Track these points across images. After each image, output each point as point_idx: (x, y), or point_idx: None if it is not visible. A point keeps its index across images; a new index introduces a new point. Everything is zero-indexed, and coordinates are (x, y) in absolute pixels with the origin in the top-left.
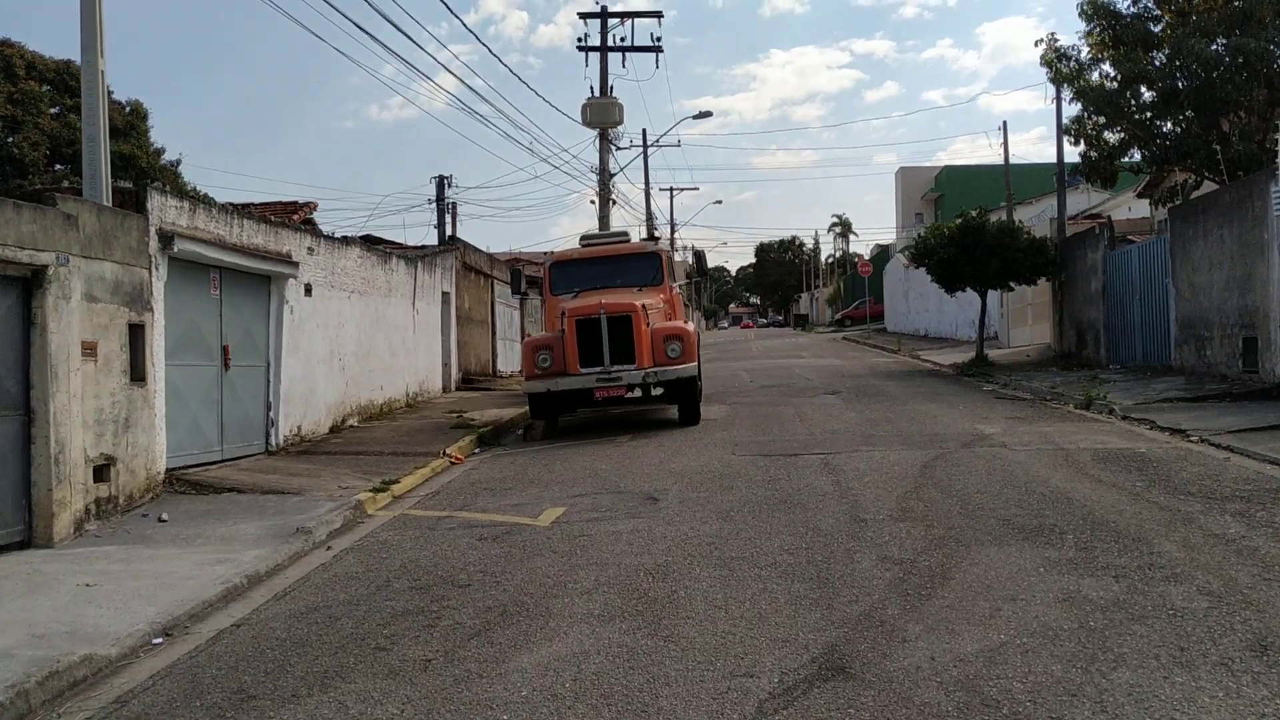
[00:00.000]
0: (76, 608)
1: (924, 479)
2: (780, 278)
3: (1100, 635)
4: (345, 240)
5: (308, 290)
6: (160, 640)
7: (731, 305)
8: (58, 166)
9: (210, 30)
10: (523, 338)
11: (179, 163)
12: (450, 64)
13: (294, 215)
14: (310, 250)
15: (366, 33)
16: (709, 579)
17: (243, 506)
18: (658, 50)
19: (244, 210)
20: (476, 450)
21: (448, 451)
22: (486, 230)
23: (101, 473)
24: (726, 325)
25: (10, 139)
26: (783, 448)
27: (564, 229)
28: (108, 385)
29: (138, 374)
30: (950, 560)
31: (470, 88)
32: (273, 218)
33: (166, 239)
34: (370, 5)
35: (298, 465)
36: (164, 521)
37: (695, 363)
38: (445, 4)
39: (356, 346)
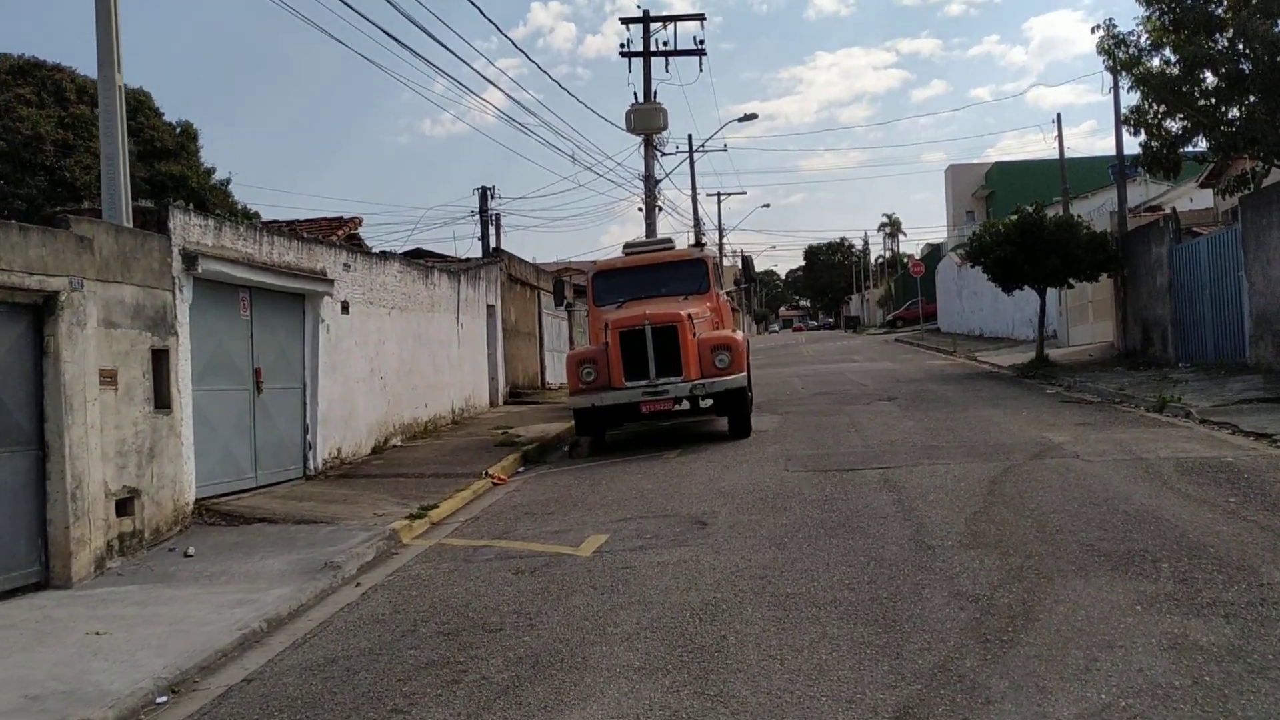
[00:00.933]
0: (81, 661)
1: (993, 497)
2: (830, 280)
3: (1219, 694)
4: (384, 255)
5: (344, 308)
6: (165, 699)
7: (782, 309)
8: None
9: (263, 52)
10: (571, 349)
11: (229, 182)
12: (498, 79)
13: (338, 231)
14: (346, 266)
15: (416, 53)
16: (761, 621)
17: (272, 539)
18: (701, 54)
19: (275, 227)
20: (521, 469)
21: (490, 472)
22: (536, 241)
23: (124, 506)
24: (777, 329)
25: (62, 163)
26: (838, 462)
27: (614, 237)
28: (129, 414)
29: (162, 401)
30: (1032, 596)
31: (517, 102)
32: (306, 234)
33: (190, 259)
34: (418, 26)
35: (335, 490)
36: (190, 557)
37: (745, 372)
38: (490, 20)
39: (398, 364)
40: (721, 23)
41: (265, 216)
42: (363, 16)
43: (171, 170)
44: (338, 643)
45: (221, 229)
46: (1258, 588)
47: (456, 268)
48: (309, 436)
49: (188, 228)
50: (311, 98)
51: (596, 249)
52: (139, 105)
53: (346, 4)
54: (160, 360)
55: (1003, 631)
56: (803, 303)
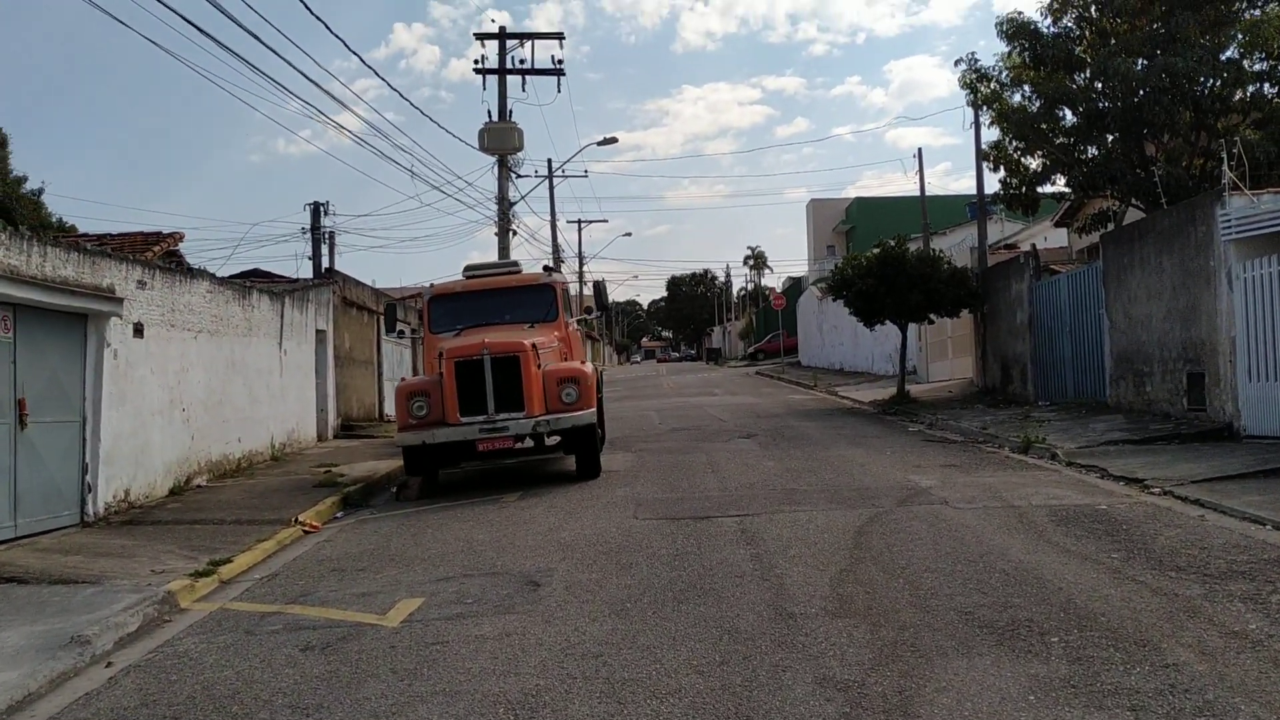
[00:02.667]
0: None
1: (860, 551)
2: (693, 311)
3: None
4: (191, 272)
5: (138, 330)
6: None
7: (644, 339)
8: None
9: (106, 66)
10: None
11: (41, 191)
12: (354, 103)
13: (155, 247)
14: (141, 284)
15: (268, 76)
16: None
17: (17, 604)
18: (559, 73)
19: (61, 239)
20: (339, 514)
21: (301, 518)
22: (385, 265)
23: None
24: (639, 359)
25: None
26: (693, 508)
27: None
28: None
29: None
30: (910, 682)
31: (371, 126)
32: (90, 245)
33: None
34: (269, 49)
35: (112, 541)
36: None
37: (594, 408)
38: (344, 44)
39: (206, 394)
40: (589, 52)
41: (85, 230)
42: (216, 42)
43: None
44: None
45: None
46: (1162, 670)
47: (281, 289)
48: (88, 477)
49: None
50: (161, 113)
51: (452, 275)
52: None
53: (200, 30)
54: None
55: None
56: (665, 334)
